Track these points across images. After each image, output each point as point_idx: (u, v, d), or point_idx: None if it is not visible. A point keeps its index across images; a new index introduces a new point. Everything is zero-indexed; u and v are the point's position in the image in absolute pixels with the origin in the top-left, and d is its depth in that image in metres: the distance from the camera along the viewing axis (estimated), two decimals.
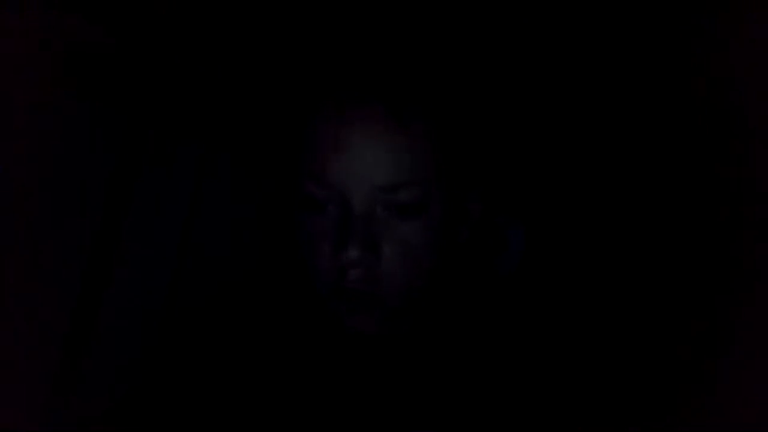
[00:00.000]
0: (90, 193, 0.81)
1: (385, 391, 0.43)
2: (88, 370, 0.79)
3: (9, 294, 0.72)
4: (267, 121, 0.88)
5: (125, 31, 0.79)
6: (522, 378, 0.43)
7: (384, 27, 0.47)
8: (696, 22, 0.68)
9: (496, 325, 0.47)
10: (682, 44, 0.71)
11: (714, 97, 0.69)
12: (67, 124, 0.77)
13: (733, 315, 0.63)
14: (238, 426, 0.44)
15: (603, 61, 0.77)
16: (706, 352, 0.63)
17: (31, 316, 0.74)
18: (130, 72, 0.82)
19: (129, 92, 0.82)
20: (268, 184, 0.94)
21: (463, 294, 0.49)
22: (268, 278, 0.55)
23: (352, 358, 0.45)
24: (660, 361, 0.63)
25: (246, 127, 0.92)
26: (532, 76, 0.77)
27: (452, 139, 0.43)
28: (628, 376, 0.48)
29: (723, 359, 0.61)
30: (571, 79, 0.79)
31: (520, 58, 0.73)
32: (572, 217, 0.81)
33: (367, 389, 0.43)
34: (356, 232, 0.40)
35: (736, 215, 0.66)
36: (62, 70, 0.76)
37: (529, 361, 0.44)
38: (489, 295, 0.50)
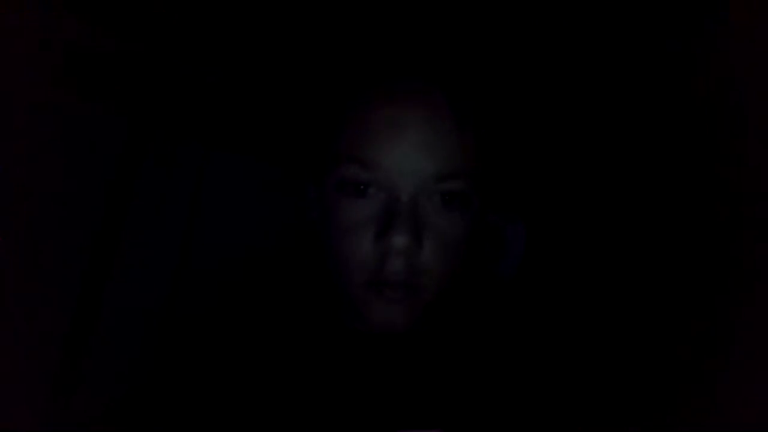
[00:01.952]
0: (90, 193, 0.81)
1: (391, 389, 0.43)
2: (88, 370, 0.79)
3: (9, 294, 0.72)
4: (289, 111, 0.87)
5: (125, 31, 0.79)
6: (524, 378, 0.43)
7: (448, 20, 0.47)
8: (696, 22, 0.68)
9: (498, 325, 0.47)
10: (682, 44, 0.71)
11: (714, 97, 0.69)
12: (67, 124, 0.77)
13: (733, 315, 0.63)
14: (239, 427, 0.44)
15: (604, 61, 0.77)
16: (706, 352, 0.63)
17: (31, 316, 0.74)
18: (131, 72, 0.82)
19: (129, 92, 0.82)
20: (269, 182, 0.94)
21: (469, 294, 0.49)
22: (269, 278, 0.55)
23: (356, 356, 0.45)
24: (660, 361, 0.63)
25: (250, 125, 0.92)
26: (534, 77, 0.77)
27: (492, 137, 0.43)
28: (628, 377, 0.48)
29: (723, 359, 0.61)
30: (572, 79, 0.79)
31: (527, 59, 0.73)
32: (572, 218, 0.81)
33: (370, 388, 0.43)
34: (404, 218, 0.39)
35: (736, 215, 0.66)
36: (62, 70, 0.76)
37: (531, 361, 0.44)
38: (491, 295, 0.50)
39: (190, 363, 0.48)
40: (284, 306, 0.50)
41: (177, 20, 0.79)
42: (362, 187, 0.41)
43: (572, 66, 0.78)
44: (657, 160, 0.76)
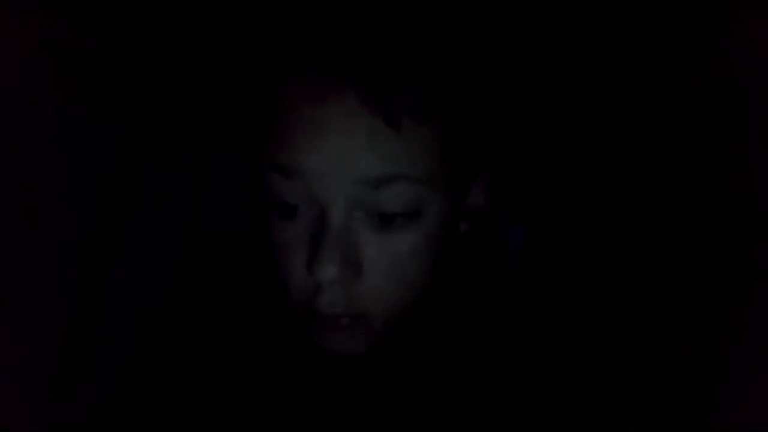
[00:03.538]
0: (90, 193, 0.81)
1: (386, 400, 0.42)
2: (88, 370, 0.79)
3: (9, 294, 0.72)
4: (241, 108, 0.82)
5: (125, 31, 0.79)
6: (522, 379, 0.43)
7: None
8: (696, 22, 0.68)
9: (495, 328, 0.47)
10: (682, 44, 0.71)
11: (714, 97, 0.69)
12: (67, 124, 0.77)
13: (733, 315, 0.63)
14: (238, 427, 0.44)
15: (603, 60, 0.77)
16: (706, 352, 0.63)
17: (31, 316, 0.74)
18: (131, 72, 0.82)
19: (129, 92, 0.82)
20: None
21: (462, 296, 0.48)
22: (269, 279, 0.54)
23: (348, 369, 0.42)
24: (660, 361, 0.63)
25: (245, 125, 0.91)
26: (533, 74, 0.77)
27: (451, 134, 0.36)
28: (628, 376, 0.48)
29: (723, 359, 0.61)
30: (572, 77, 0.79)
31: (522, 53, 0.73)
32: (572, 217, 0.81)
33: (369, 400, 0.42)
34: (330, 245, 0.33)
35: (736, 215, 0.66)
36: (62, 70, 0.76)
37: (530, 362, 0.44)
38: (488, 297, 0.49)
39: (189, 364, 0.48)
40: (284, 308, 0.50)
41: (176, 20, 0.79)
42: (289, 204, 0.35)
43: (571, 64, 0.78)
44: (657, 160, 0.76)
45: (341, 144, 0.33)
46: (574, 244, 0.79)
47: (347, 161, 0.33)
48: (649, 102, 0.76)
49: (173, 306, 0.86)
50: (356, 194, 0.34)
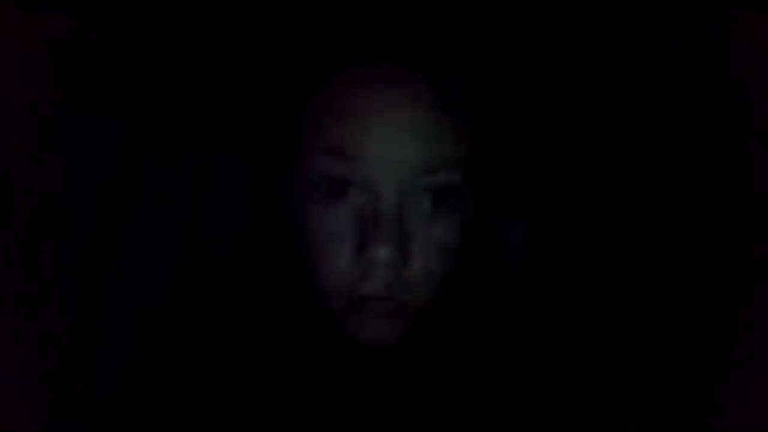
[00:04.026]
0: (90, 193, 0.81)
1: (389, 399, 0.42)
2: (88, 370, 0.79)
3: (9, 294, 0.72)
4: (271, 94, 0.83)
5: (125, 31, 0.79)
6: (522, 378, 0.43)
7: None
8: (696, 22, 0.68)
9: (495, 327, 0.47)
10: (682, 44, 0.71)
11: (714, 97, 0.69)
12: (67, 124, 0.77)
13: (733, 315, 0.63)
14: (238, 427, 0.44)
15: (603, 60, 0.77)
16: (706, 352, 0.63)
17: (31, 316, 0.74)
18: (131, 72, 0.82)
19: (129, 92, 0.83)
20: (268, 178, 0.94)
21: (465, 295, 0.48)
22: (270, 278, 0.54)
23: (357, 364, 0.43)
24: (660, 361, 0.63)
25: (246, 123, 0.92)
26: (534, 74, 0.77)
27: (486, 124, 0.38)
28: (628, 376, 0.48)
29: (723, 359, 0.61)
30: (572, 78, 0.79)
31: (528, 53, 0.73)
32: (572, 218, 0.81)
33: (371, 398, 0.43)
34: (387, 225, 0.34)
35: (736, 215, 0.66)
36: (62, 70, 0.76)
37: (530, 362, 0.44)
38: (488, 296, 0.49)
39: (190, 364, 0.48)
40: (285, 308, 0.50)
41: (177, 19, 0.79)
42: (340, 187, 0.35)
43: (571, 66, 0.78)
44: (657, 160, 0.76)
45: (400, 132, 0.34)
46: (573, 245, 0.79)
47: (405, 148, 0.34)
48: (649, 102, 0.76)
49: (173, 306, 0.86)
50: (411, 180, 0.35)
